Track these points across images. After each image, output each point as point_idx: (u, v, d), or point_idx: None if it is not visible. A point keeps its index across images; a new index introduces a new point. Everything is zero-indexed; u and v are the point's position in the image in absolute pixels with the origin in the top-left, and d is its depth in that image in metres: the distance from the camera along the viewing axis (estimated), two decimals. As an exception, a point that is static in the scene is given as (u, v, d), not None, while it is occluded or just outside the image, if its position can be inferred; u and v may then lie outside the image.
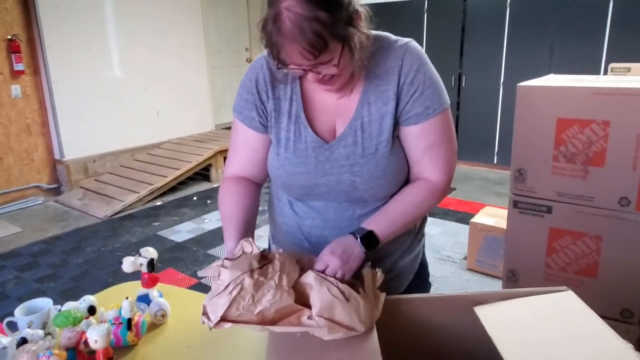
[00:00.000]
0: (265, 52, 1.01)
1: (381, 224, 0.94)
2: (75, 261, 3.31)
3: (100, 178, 4.82)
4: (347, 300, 0.82)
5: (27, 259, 3.38)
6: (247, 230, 0.99)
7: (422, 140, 0.96)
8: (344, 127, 0.97)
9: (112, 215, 4.16)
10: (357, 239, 0.90)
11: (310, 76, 0.87)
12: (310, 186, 0.99)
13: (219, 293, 0.81)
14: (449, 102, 0.97)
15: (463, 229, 3.52)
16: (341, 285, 0.84)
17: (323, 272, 0.86)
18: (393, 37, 0.98)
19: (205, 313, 0.82)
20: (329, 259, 0.87)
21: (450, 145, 0.98)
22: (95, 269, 3.18)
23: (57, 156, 4.72)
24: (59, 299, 2.78)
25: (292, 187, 1.02)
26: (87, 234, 3.81)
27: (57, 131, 4.62)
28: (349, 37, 0.83)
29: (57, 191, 4.77)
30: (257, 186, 1.09)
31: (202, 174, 5.15)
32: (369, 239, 0.91)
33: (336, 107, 0.98)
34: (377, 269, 0.94)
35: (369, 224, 0.94)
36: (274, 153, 1.02)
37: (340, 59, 0.84)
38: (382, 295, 0.89)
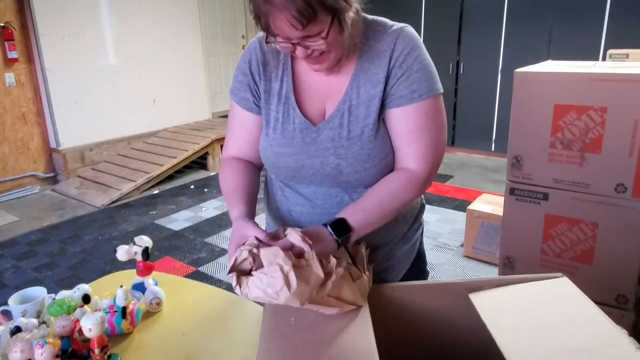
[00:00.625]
0: (259, 34, 1.00)
1: (355, 213, 0.91)
2: (72, 250, 3.31)
3: (97, 167, 4.80)
4: (354, 281, 0.89)
5: (25, 248, 3.37)
6: (252, 200, 0.99)
7: (403, 125, 0.93)
8: (332, 110, 0.96)
9: (109, 204, 4.15)
10: (326, 226, 0.88)
11: (299, 52, 0.86)
12: (297, 168, 0.99)
13: (267, 286, 0.80)
14: (440, 90, 0.95)
15: (460, 216, 3.53)
16: (350, 268, 0.90)
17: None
18: (389, 22, 0.97)
19: (239, 278, 0.81)
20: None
21: (435, 135, 0.95)
22: (92, 258, 3.19)
23: (53, 145, 4.70)
24: (57, 288, 2.78)
25: (280, 169, 1.02)
26: (84, 222, 3.81)
27: (52, 120, 4.59)
28: (339, 10, 0.82)
29: (53, 180, 4.76)
30: (255, 167, 1.09)
31: (199, 162, 5.14)
32: (339, 226, 0.89)
33: (327, 90, 0.97)
34: (361, 243, 0.99)
35: (343, 213, 0.91)
36: (263, 134, 1.02)
37: (329, 32, 0.83)
38: (371, 267, 0.97)
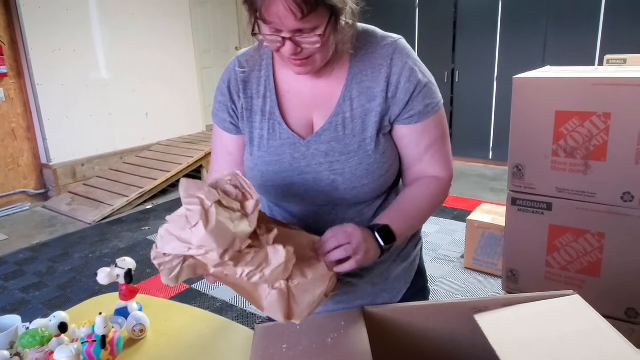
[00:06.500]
0: (239, 53, 0.99)
1: (399, 223, 0.87)
2: (62, 269, 3.22)
3: (89, 182, 4.72)
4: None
5: (13, 268, 3.28)
6: None
7: (425, 138, 0.92)
8: (323, 122, 0.91)
9: (100, 220, 4.07)
10: (373, 231, 0.83)
11: (287, 48, 0.80)
12: (286, 186, 0.93)
13: (181, 228, 0.70)
14: (442, 99, 0.96)
15: (460, 227, 3.47)
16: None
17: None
18: (380, 32, 0.93)
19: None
20: (340, 241, 0.79)
21: (448, 140, 0.97)
22: (82, 277, 3.10)
23: (43, 160, 4.62)
24: (44, 309, 2.70)
25: (268, 189, 0.96)
26: (75, 240, 3.72)
27: (43, 135, 4.52)
28: (338, 9, 0.79)
29: (44, 196, 4.68)
30: None
31: (193, 175, 5.07)
32: (384, 232, 0.84)
33: (314, 98, 0.92)
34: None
35: (386, 219, 0.87)
36: (247, 154, 0.97)
37: (326, 30, 0.79)
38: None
